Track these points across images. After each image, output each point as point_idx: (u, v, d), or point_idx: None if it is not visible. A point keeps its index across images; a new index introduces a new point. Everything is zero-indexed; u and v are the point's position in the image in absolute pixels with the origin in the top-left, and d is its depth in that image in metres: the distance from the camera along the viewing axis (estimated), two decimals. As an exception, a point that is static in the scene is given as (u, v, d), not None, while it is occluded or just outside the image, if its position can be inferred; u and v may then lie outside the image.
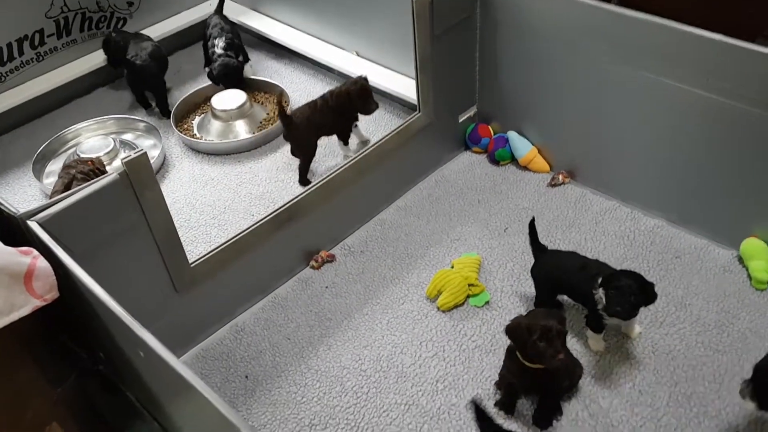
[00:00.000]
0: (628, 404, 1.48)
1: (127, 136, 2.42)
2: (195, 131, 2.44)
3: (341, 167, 1.88)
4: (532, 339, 1.33)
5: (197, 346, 1.72)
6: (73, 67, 2.59)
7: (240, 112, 2.41)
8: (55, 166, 2.31)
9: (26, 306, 1.13)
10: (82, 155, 2.16)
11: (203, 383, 0.99)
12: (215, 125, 2.42)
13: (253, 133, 2.38)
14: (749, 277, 1.71)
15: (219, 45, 2.49)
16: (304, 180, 2.14)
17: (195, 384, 0.99)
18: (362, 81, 2.10)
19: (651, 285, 1.47)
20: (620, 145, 1.92)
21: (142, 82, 2.46)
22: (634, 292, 1.43)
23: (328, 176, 1.85)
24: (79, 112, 2.52)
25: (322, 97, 2.11)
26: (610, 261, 1.79)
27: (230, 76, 2.46)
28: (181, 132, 2.39)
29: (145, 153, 1.37)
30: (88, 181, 1.78)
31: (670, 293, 1.71)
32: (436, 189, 2.14)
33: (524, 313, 1.61)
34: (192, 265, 1.61)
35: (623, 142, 1.90)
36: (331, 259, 1.93)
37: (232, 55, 2.50)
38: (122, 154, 2.27)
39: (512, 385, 1.47)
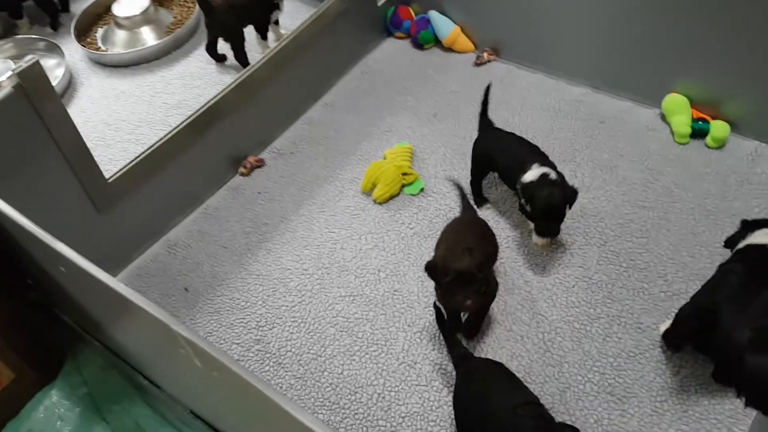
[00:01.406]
0: (560, 266, 1.52)
1: (27, 58, 2.23)
2: (99, 44, 2.27)
3: (257, 63, 1.78)
4: (445, 282, 1.28)
5: (131, 265, 1.68)
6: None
7: (144, 18, 2.25)
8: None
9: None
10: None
11: (136, 293, 0.96)
12: (120, 35, 2.26)
13: (162, 39, 2.23)
14: (672, 133, 1.74)
15: None
16: (245, 60, 2.06)
17: (128, 296, 0.95)
18: None
19: (573, 192, 1.47)
20: (542, 16, 1.88)
21: None
22: (552, 216, 1.44)
23: (244, 73, 1.76)
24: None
25: None
26: (538, 134, 1.81)
27: None
28: (84, 46, 2.22)
29: (38, 61, 1.26)
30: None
31: (595, 158, 1.73)
32: (362, 81, 2.07)
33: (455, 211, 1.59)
34: (109, 181, 1.53)
35: (545, 12, 1.86)
36: (261, 163, 1.88)
37: None
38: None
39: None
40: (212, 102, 1.71)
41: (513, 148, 1.58)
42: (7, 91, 1.23)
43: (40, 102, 1.29)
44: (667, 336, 1.33)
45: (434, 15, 2.08)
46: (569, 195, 1.46)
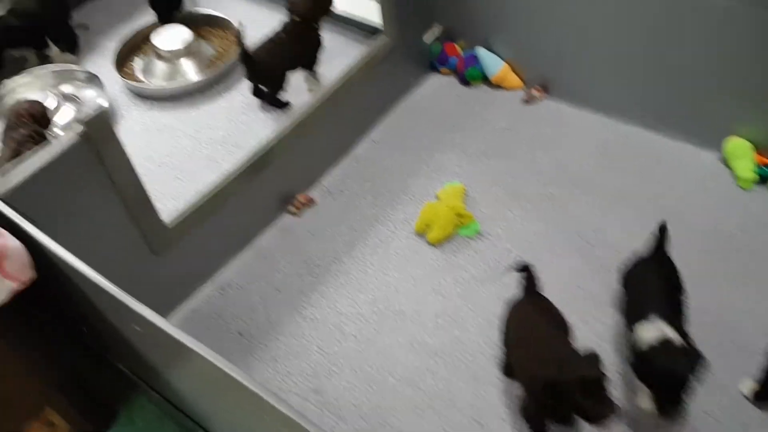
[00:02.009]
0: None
1: (67, 88, 2.21)
2: (139, 75, 2.26)
3: (314, 103, 1.76)
4: (576, 398, 1.09)
5: (183, 307, 1.65)
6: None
7: (186, 51, 2.23)
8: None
9: (3, 291, 1.03)
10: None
11: (203, 346, 0.93)
12: (160, 67, 2.24)
13: (203, 72, 2.21)
14: (735, 177, 1.71)
15: None
16: (281, 103, 2.03)
17: (195, 348, 0.92)
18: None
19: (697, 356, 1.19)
20: (593, 54, 1.86)
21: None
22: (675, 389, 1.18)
23: (302, 114, 1.74)
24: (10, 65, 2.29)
25: (283, 27, 1.94)
26: (593, 174, 1.78)
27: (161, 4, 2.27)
28: (124, 77, 2.21)
29: (106, 110, 1.24)
30: (36, 142, 1.65)
31: (654, 201, 1.70)
32: (407, 117, 2.05)
33: (522, 273, 1.40)
34: (168, 226, 1.50)
35: (596, 50, 1.84)
36: (310, 202, 1.85)
37: None
38: (67, 109, 2.08)
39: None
40: (268, 143, 1.68)
41: (643, 282, 1.34)
42: (73, 140, 1.21)
43: (104, 149, 1.27)
44: (759, 395, 1.28)
45: (482, 52, 2.06)
46: (695, 362, 1.18)
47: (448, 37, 2.13)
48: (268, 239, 1.79)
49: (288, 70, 1.99)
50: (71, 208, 1.28)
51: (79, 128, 1.22)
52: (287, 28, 1.92)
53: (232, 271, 1.72)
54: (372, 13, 2.13)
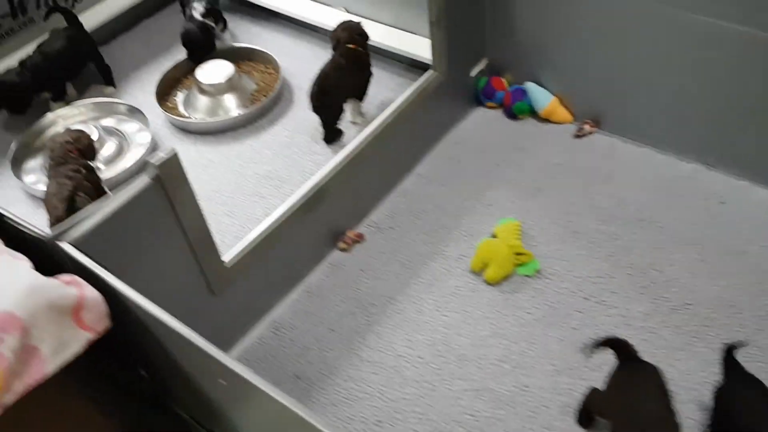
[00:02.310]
0: (705, 364, 1.43)
1: (108, 121, 2.20)
2: (181, 109, 2.24)
3: (366, 137, 1.74)
4: None
5: (237, 347, 1.60)
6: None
7: (229, 85, 2.21)
8: (34, 162, 2.09)
9: (78, 342, 0.99)
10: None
11: (279, 391, 0.90)
12: (202, 101, 2.22)
13: (246, 106, 2.20)
14: (803, 217, 1.67)
15: (197, 9, 2.27)
16: (339, 133, 2.01)
17: (275, 396, 0.89)
18: (352, 23, 1.93)
19: None
20: (648, 88, 1.82)
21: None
22: None
23: (353, 149, 1.71)
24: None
25: (341, 55, 1.92)
26: (653, 214, 1.73)
27: (193, 45, 2.25)
28: (165, 111, 2.19)
29: (177, 153, 1.21)
30: (87, 179, 1.63)
31: (721, 242, 1.65)
32: (455, 151, 2.02)
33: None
34: (227, 265, 1.46)
35: (651, 84, 1.81)
36: (360, 238, 1.81)
37: (208, 23, 2.27)
38: (110, 143, 2.07)
39: None
40: (322, 179, 1.65)
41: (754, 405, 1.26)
42: (145, 183, 1.18)
43: (174, 191, 1.24)
44: None
45: (531, 86, 2.03)
46: None
47: (494, 70, 2.11)
48: (318, 276, 1.74)
49: (348, 99, 1.98)
50: (137, 251, 1.24)
51: (152, 171, 1.19)
52: (346, 56, 1.90)
53: (284, 310, 1.67)
54: (413, 47, 2.12)
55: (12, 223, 1.15)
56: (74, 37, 2.21)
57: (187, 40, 2.26)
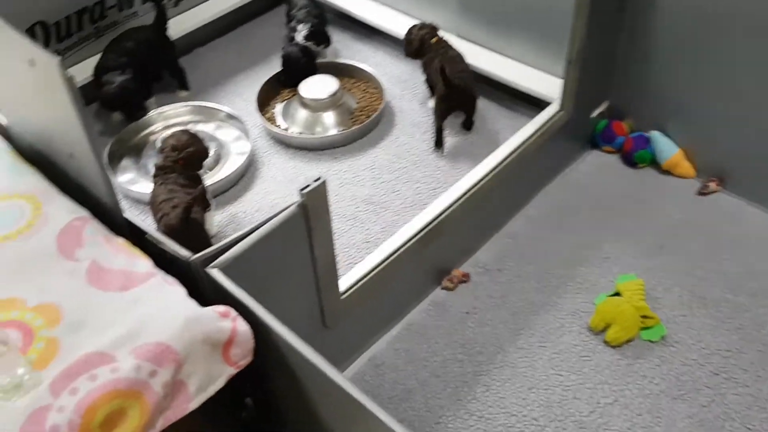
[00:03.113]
0: None
1: (208, 127, 2.14)
2: (279, 120, 2.17)
3: (486, 174, 1.64)
4: None
5: (336, 385, 1.50)
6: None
7: (331, 102, 2.14)
8: (128, 161, 2.04)
9: (222, 378, 0.91)
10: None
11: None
12: (302, 114, 2.15)
13: (345, 124, 2.12)
14: None
15: (301, 32, 2.19)
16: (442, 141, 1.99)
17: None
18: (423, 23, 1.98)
19: None
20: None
21: None
22: None
23: (474, 185, 1.62)
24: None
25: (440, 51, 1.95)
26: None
27: (293, 69, 2.17)
28: (265, 120, 2.13)
29: (324, 182, 1.13)
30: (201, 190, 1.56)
31: None
32: (567, 195, 1.91)
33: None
34: (342, 297, 1.38)
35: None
36: (466, 278, 1.71)
37: (310, 48, 2.20)
38: (210, 152, 1.99)
39: None
40: (440, 213, 1.56)
41: None
42: (291, 211, 1.10)
43: (315, 220, 1.16)
44: None
45: (657, 135, 1.92)
46: None
47: (615, 113, 2.00)
48: (420, 315, 1.64)
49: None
50: (267, 281, 1.16)
51: (300, 199, 1.11)
52: (444, 46, 1.94)
53: (384, 347, 1.58)
54: (525, 78, 2.03)
55: (152, 240, 1.08)
56: (150, 38, 2.15)
57: (288, 64, 2.18)
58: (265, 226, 1.09)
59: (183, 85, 2.26)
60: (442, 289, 1.69)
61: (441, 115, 1.93)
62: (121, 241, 1.03)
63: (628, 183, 1.92)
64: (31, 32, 2.07)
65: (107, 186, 1.07)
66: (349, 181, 1.97)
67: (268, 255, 1.11)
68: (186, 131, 1.66)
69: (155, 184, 1.58)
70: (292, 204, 1.14)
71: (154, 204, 1.53)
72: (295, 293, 1.24)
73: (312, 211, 1.14)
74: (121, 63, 2.04)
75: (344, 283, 1.41)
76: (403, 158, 2.01)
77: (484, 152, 1.97)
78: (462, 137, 2.02)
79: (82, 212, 1.08)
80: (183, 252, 1.04)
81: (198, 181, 1.66)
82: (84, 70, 2.17)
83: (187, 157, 1.59)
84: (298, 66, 2.18)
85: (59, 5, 2.10)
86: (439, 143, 1.97)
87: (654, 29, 1.78)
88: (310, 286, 1.26)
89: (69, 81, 0.94)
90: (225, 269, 1.01)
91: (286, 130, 2.13)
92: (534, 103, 2.02)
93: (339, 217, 1.86)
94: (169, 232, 1.48)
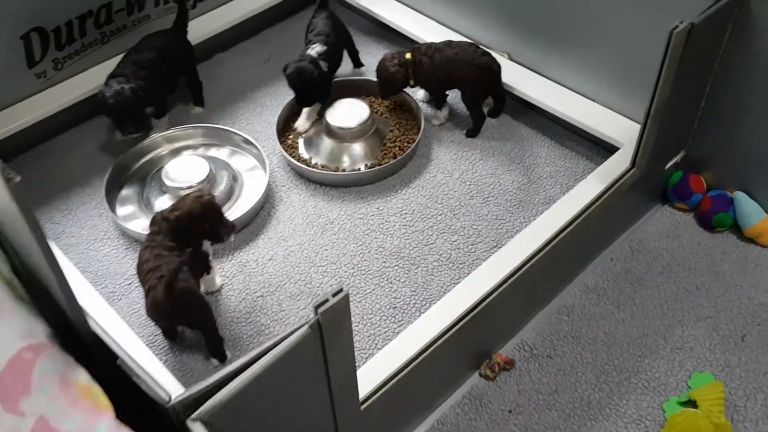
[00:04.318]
0: None
1: (221, 153, 1.90)
2: (302, 150, 1.91)
3: (546, 244, 1.37)
4: None
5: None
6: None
7: (360, 131, 1.87)
8: (129, 190, 1.81)
9: None
10: (169, 184, 1.68)
11: None
12: (327, 144, 1.88)
13: (376, 157, 1.85)
14: None
15: (314, 48, 1.88)
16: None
17: None
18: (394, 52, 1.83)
19: None
20: None
21: None
22: None
23: (532, 258, 1.35)
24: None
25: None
26: None
27: (298, 85, 1.84)
28: (285, 149, 1.87)
29: (347, 296, 0.87)
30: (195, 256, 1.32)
31: None
32: (633, 261, 1.63)
33: None
34: (362, 407, 1.13)
35: None
36: (509, 365, 1.45)
37: (321, 64, 1.87)
38: (221, 185, 1.75)
39: None
40: (484, 296, 1.30)
41: None
42: (300, 335, 0.85)
43: (331, 338, 0.91)
44: None
45: (741, 197, 1.62)
46: None
47: (691, 166, 1.71)
48: (454, 411, 1.39)
49: None
50: (269, 408, 0.91)
51: (312, 317, 0.85)
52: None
53: (410, 453, 1.33)
54: (596, 121, 1.75)
55: (123, 368, 0.84)
56: (170, 43, 1.90)
57: (298, 80, 1.82)
58: (266, 357, 0.83)
59: (198, 100, 2.01)
60: (481, 376, 1.44)
61: (479, 100, 1.85)
62: (81, 382, 0.79)
63: (704, 251, 1.63)
64: (26, 39, 1.84)
65: (70, 299, 0.83)
66: (376, 228, 1.71)
67: (271, 390, 0.87)
68: (199, 197, 1.39)
69: (142, 246, 1.34)
70: (302, 325, 0.88)
71: (140, 273, 1.30)
72: (303, 412, 1.00)
73: (327, 331, 0.88)
74: (133, 71, 1.79)
75: (364, 387, 1.16)
76: (440, 202, 1.75)
77: (535, 200, 1.71)
78: (509, 178, 1.75)
79: (38, 333, 0.84)
80: (161, 393, 0.80)
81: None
82: (88, 80, 1.94)
83: (175, 221, 1.34)
84: (312, 80, 1.82)
85: (58, 9, 1.86)
86: (477, 131, 1.88)
87: (748, 77, 1.48)
88: (322, 403, 1.01)
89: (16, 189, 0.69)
90: (213, 417, 0.77)
91: (308, 161, 1.87)
92: (593, 140, 1.76)
93: (362, 273, 1.61)
94: (156, 309, 1.25)
